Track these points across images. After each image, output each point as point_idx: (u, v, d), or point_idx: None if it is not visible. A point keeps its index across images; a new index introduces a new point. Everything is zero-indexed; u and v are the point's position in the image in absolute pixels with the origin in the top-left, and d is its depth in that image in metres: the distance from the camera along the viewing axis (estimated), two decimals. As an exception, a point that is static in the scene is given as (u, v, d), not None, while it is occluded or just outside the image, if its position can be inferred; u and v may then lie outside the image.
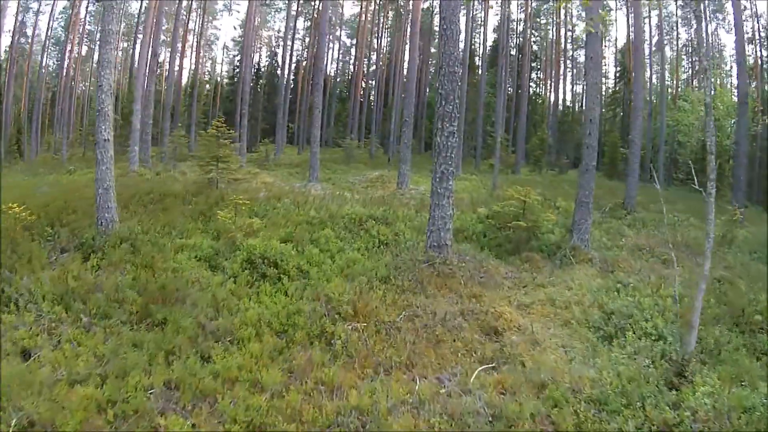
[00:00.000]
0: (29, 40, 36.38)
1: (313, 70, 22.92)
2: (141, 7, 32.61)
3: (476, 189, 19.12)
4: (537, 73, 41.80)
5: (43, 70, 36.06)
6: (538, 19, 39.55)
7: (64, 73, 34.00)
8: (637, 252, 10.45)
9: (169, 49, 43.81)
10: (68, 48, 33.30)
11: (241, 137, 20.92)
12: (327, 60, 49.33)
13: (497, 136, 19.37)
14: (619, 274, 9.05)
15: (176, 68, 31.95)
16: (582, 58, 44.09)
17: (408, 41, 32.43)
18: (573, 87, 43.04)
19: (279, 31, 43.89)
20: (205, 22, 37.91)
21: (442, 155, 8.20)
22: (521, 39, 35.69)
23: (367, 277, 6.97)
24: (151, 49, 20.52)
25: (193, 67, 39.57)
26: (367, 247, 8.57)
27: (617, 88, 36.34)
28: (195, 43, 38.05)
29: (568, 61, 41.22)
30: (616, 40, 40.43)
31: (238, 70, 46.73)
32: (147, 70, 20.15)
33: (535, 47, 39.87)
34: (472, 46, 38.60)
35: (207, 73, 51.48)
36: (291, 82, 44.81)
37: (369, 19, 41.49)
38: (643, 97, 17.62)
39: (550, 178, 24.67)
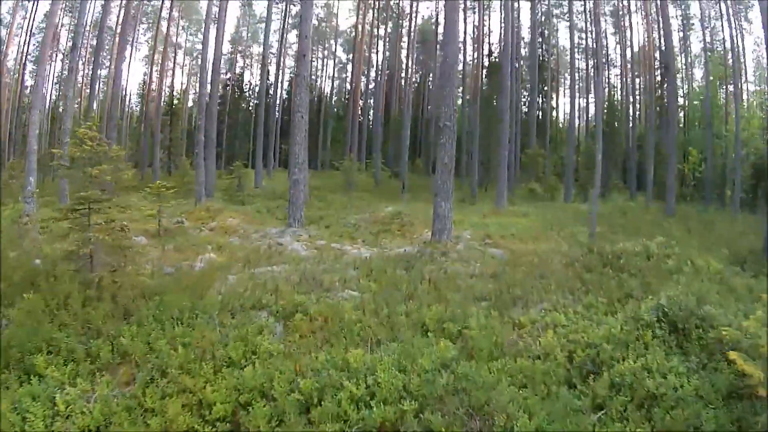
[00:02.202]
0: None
1: (296, 61, 16.03)
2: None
3: (543, 231, 11.39)
4: (546, 85, 34.39)
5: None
6: (545, 29, 32.61)
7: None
8: None
9: (153, 66, 37.06)
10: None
11: (196, 159, 13.78)
12: (323, 76, 42.66)
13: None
14: None
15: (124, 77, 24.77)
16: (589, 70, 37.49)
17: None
18: (584, 99, 35.62)
19: (271, 47, 36.66)
20: (171, 27, 30.88)
21: None
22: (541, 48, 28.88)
23: None
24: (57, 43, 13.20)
25: (163, 81, 32.25)
26: None
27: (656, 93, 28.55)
28: (156, 51, 30.88)
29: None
30: (631, 41, 33.06)
31: (227, 86, 39.82)
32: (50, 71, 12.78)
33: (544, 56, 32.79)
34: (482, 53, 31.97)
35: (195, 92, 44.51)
36: (285, 101, 37.85)
37: (367, 30, 34.47)
38: None
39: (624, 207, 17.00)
